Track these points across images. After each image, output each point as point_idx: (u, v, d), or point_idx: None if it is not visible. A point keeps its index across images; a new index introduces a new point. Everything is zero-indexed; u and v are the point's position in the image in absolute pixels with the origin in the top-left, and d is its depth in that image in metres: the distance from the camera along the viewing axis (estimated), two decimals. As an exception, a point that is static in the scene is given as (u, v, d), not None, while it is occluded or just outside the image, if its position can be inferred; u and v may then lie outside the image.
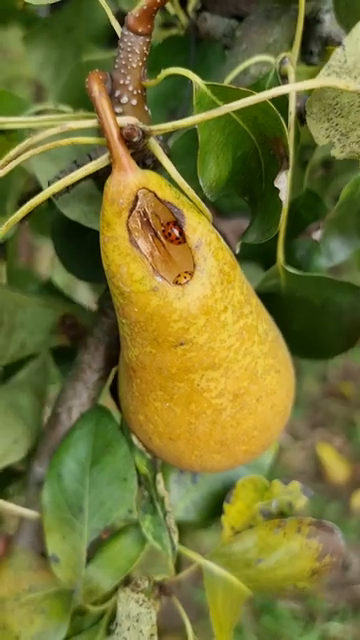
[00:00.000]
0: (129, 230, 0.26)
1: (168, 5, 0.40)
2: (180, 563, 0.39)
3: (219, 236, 0.28)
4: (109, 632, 0.37)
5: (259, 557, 0.37)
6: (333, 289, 0.36)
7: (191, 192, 0.27)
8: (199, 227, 0.27)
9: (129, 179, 0.25)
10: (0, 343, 0.36)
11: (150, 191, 0.26)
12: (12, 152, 0.26)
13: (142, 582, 0.32)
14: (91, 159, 0.32)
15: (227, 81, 0.35)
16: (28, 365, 0.41)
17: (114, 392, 0.39)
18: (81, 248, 0.37)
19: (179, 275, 0.28)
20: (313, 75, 0.39)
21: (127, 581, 0.33)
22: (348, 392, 1.44)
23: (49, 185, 0.31)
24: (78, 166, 0.32)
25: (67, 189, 0.31)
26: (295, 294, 0.38)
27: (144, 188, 0.26)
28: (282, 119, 0.26)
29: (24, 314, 0.37)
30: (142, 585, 0.32)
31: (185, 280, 0.27)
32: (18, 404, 0.39)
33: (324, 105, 0.28)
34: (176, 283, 0.27)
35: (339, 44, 0.39)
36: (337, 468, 1.33)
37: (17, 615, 0.33)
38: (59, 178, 0.31)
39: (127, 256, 0.26)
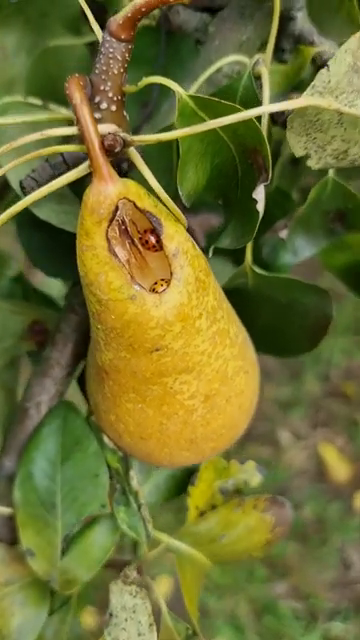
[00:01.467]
0: (108, 239, 0.26)
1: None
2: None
3: (194, 243, 0.29)
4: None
5: (222, 534, 0.40)
6: (300, 290, 0.37)
7: (169, 201, 0.27)
8: (176, 236, 0.27)
9: (110, 190, 0.25)
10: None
11: (130, 201, 0.26)
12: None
13: (131, 573, 0.33)
14: (64, 158, 0.32)
15: (201, 80, 0.35)
16: None
17: (82, 384, 0.40)
18: (49, 243, 0.37)
19: (155, 282, 0.28)
20: (285, 74, 0.39)
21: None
22: (350, 392, 1.45)
23: (21, 186, 0.31)
24: (50, 165, 0.31)
25: (39, 187, 0.31)
26: (262, 292, 0.39)
27: (124, 198, 0.26)
28: (263, 133, 0.26)
29: None
30: (132, 576, 0.33)
31: (162, 288, 0.27)
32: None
33: (305, 121, 0.28)
34: (153, 291, 0.28)
35: (311, 43, 0.40)
36: (339, 468, 1.34)
37: (-4, 609, 0.34)
38: (33, 179, 0.30)
39: (105, 265, 0.26)
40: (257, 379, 0.35)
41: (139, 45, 0.41)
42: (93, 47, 0.47)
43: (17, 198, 0.34)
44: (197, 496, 0.40)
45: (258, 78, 0.35)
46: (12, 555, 0.37)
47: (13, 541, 0.37)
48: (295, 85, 0.40)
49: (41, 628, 0.38)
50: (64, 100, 0.50)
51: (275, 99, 0.38)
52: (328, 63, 0.26)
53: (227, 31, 0.36)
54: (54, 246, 0.37)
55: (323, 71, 0.26)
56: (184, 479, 0.41)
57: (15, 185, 0.32)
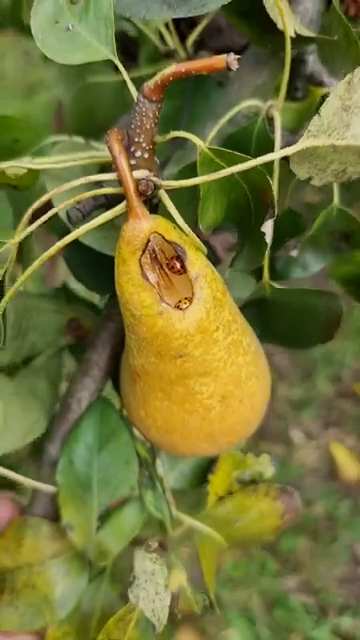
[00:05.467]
0: (141, 266, 0.32)
1: (168, 38, 0.45)
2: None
3: (213, 269, 0.34)
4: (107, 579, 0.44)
5: (237, 517, 0.45)
6: (311, 296, 0.42)
7: (192, 234, 0.33)
8: (197, 262, 0.33)
9: (143, 226, 0.31)
10: (17, 344, 0.42)
11: (159, 234, 0.32)
12: (44, 198, 0.31)
13: (153, 544, 0.39)
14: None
15: (222, 121, 0.40)
16: (44, 353, 0.47)
17: (116, 384, 0.45)
18: (90, 262, 0.43)
19: (180, 301, 0.33)
20: (297, 111, 0.44)
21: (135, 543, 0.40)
22: (362, 393, 1.49)
23: (68, 216, 0.36)
24: (92, 198, 0.37)
25: (83, 217, 0.37)
26: (279, 301, 0.44)
27: (155, 232, 0.31)
28: (269, 177, 0.31)
29: (38, 318, 0.43)
30: (153, 546, 0.39)
31: (185, 305, 0.33)
32: (36, 389, 0.45)
33: (304, 154, 0.33)
34: (178, 308, 0.33)
35: (320, 82, 0.44)
36: (349, 467, 1.38)
37: (43, 578, 0.40)
38: (78, 210, 0.36)
39: (139, 287, 0.32)
40: (268, 384, 0.41)
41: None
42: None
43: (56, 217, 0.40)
44: (216, 484, 0.46)
45: (272, 119, 0.40)
46: (57, 532, 0.43)
47: (57, 518, 0.43)
48: (308, 119, 0.45)
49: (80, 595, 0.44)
50: (102, 128, 0.56)
51: (288, 135, 0.43)
52: (320, 109, 0.30)
53: (245, 76, 0.41)
54: (94, 264, 0.42)
55: (315, 117, 0.31)
56: (205, 469, 0.47)
57: (62, 215, 0.37)
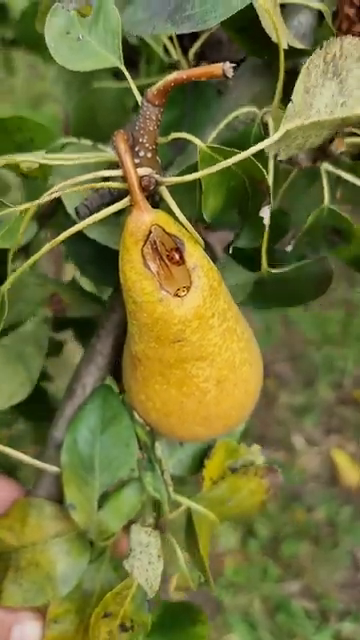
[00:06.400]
0: (143, 255, 0.34)
1: (172, 50, 0.48)
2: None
3: (209, 260, 0.37)
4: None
5: (230, 497, 0.47)
6: (305, 266, 0.44)
7: (190, 227, 0.35)
8: (195, 254, 0.36)
9: (145, 218, 0.34)
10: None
11: (160, 226, 0.34)
12: (53, 189, 0.34)
13: (148, 519, 0.41)
14: (109, 190, 0.40)
15: (221, 126, 0.43)
16: (31, 320, 0.50)
17: (116, 375, 0.48)
18: (96, 255, 0.45)
19: (179, 289, 0.36)
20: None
21: (132, 522, 0.43)
22: (362, 399, 1.52)
23: (76, 211, 0.39)
24: (99, 195, 0.40)
25: (90, 212, 0.39)
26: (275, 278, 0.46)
27: (156, 224, 0.34)
28: (263, 168, 0.34)
29: (25, 290, 0.46)
30: (148, 521, 0.41)
31: (184, 293, 0.35)
32: (23, 355, 0.48)
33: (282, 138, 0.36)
34: (176, 295, 0.36)
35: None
36: (350, 473, 1.41)
37: (46, 556, 0.42)
38: (85, 206, 0.39)
39: (140, 275, 0.35)
40: (260, 371, 0.43)
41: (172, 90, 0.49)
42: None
43: (65, 218, 0.43)
44: (211, 469, 0.48)
45: (267, 125, 0.43)
46: (60, 512, 0.45)
47: (59, 500, 0.46)
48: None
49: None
50: (103, 131, 0.60)
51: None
52: (292, 97, 0.34)
53: (243, 85, 0.44)
54: (99, 259, 0.45)
55: (290, 105, 0.34)
56: (202, 457, 0.49)
57: (71, 211, 0.40)
